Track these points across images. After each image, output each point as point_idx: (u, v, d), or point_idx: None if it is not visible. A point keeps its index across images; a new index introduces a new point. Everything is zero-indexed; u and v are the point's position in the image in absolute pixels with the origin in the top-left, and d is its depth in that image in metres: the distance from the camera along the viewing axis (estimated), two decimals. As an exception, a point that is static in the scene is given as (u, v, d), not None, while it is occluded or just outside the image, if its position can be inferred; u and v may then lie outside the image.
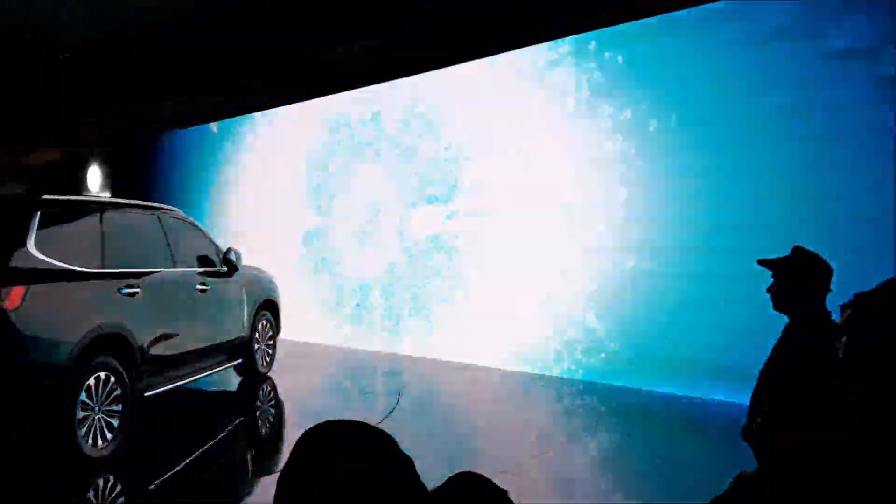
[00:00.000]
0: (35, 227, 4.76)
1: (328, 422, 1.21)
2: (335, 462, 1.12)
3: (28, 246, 4.66)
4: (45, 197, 5.10)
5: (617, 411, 6.67)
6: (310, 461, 1.14)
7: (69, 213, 5.33)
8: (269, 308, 8.09)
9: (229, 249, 7.25)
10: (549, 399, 7.34)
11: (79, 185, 15.76)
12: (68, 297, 4.89)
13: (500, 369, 8.16)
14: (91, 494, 4.68)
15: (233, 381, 7.79)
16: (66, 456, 4.74)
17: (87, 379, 4.85)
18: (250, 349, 7.57)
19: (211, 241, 7.24)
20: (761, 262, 2.90)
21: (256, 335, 7.73)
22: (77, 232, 5.29)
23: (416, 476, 1.19)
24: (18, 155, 16.41)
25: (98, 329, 5.00)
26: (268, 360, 8.01)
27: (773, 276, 2.85)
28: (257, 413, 7.09)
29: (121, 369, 5.17)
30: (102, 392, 4.99)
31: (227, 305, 7.10)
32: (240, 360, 7.39)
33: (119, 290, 5.34)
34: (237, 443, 5.99)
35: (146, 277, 5.78)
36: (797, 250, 2.83)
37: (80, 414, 4.78)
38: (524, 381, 7.84)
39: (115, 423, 5.09)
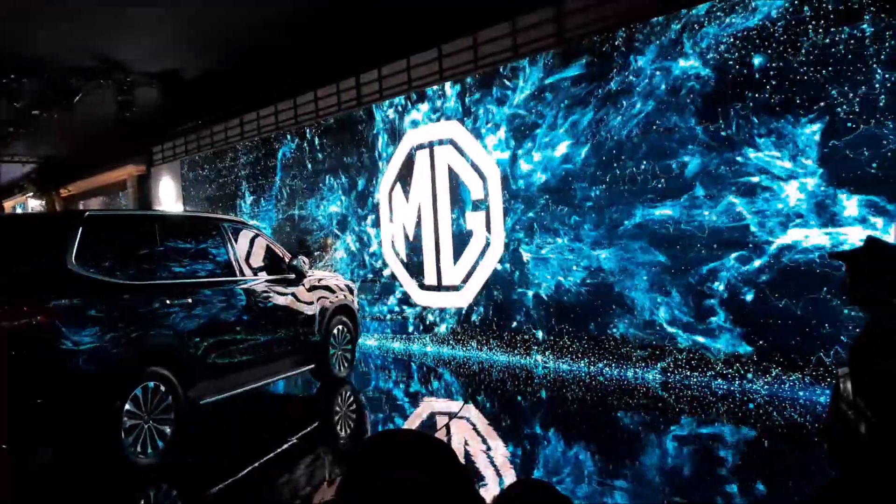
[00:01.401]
0: (76, 243, 4.94)
1: (387, 432, 1.25)
2: (392, 474, 1.13)
3: (68, 261, 4.86)
4: (88, 213, 5.32)
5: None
6: (368, 472, 1.15)
7: (116, 228, 5.55)
8: (345, 313, 8.12)
9: (295, 257, 7.33)
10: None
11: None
12: (109, 309, 5.05)
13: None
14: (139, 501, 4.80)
15: (309, 386, 7.87)
16: (113, 464, 4.89)
17: (134, 389, 4.99)
18: (325, 354, 7.61)
19: (278, 249, 7.35)
20: (832, 255, 2.91)
21: (332, 340, 7.77)
22: (124, 246, 5.48)
23: (473, 487, 1.19)
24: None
25: (143, 340, 5.16)
26: (346, 364, 8.03)
27: (846, 270, 2.55)
28: (326, 419, 7.05)
29: (172, 378, 5.29)
30: (152, 401, 5.12)
31: (294, 312, 7.16)
32: (312, 366, 7.44)
33: (169, 301, 5.48)
34: (299, 449, 5.92)
35: (202, 287, 5.91)
36: (870, 240, 2.55)
37: (128, 423, 4.93)
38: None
39: (167, 430, 5.21)
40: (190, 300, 5.67)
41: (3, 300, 4.47)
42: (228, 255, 6.44)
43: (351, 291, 8.46)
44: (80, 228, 5.04)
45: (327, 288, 7.87)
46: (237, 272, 6.47)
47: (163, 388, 5.23)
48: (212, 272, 6.25)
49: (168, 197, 16.18)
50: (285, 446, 5.74)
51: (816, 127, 6.01)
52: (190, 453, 5.51)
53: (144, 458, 5.02)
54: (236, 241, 6.66)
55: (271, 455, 5.51)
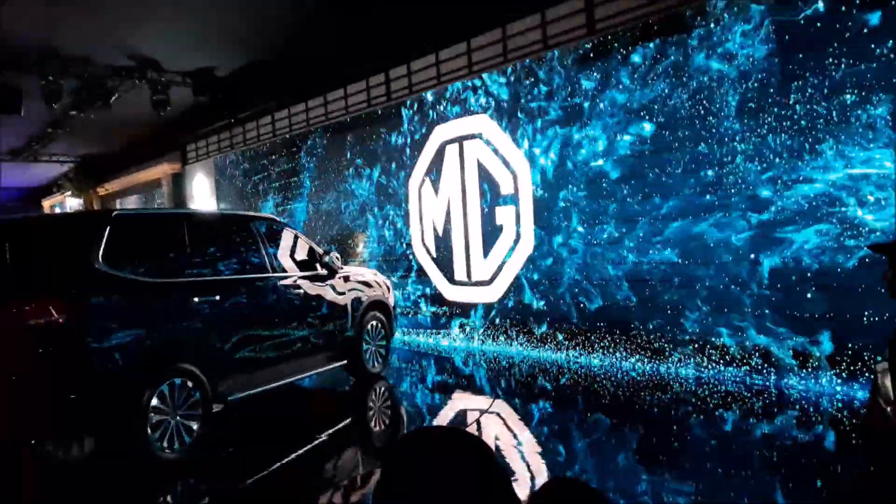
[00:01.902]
0: (104, 242, 4.99)
1: (422, 429, 1.27)
2: (429, 471, 1.12)
3: (95, 260, 4.90)
4: (116, 212, 5.35)
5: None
6: (404, 470, 1.14)
7: (144, 227, 5.59)
8: (379, 309, 8.09)
9: (327, 253, 7.33)
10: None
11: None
12: (134, 307, 5.09)
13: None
14: (165, 496, 4.83)
15: (342, 382, 7.86)
16: (139, 459, 4.92)
17: (160, 385, 5.03)
18: (358, 350, 7.59)
19: (310, 245, 7.35)
20: (874, 247, 2.77)
21: (366, 336, 7.75)
22: (152, 244, 5.52)
23: (510, 484, 1.18)
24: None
25: (169, 337, 5.19)
26: (380, 360, 8.00)
27: (889, 263, 2.54)
28: (358, 415, 7.03)
29: (199, 375, 5.31)
30: (179, 397, 5.14)
31: (325, 308, 7.15)
32: (345, 362, 7.42)
33: (197, 298, 5.50)
34: (329, 445, 5.88)
35: (230, 284, 5.93)
36: None
37: (154, 418, 4.97)
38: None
39: (195, 426, 5.23)
40: (218, 297, 5.68)
41: (29, 298, 4.53)
42: (258, 252, 6.46)
43: (386, 287, 8.41)
44: (108, 228, 5.09)
45: (361, 283, 7.85)
46: (267, 269, 6.47)
47: (190, 384, 5.26)
48: (241, 269, 6.27)
49: (202, 194, 16.35)
50: (315, 443, 5.73)
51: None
52: (218, 449, 5.53)
53: (171, 453, 5.06)
54: (267, 238, 6.66)
55: (300, 451, 5.50)
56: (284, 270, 6.75)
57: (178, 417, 5.14)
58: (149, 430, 4.91)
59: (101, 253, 4.94)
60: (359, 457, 5.69)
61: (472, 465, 1.13)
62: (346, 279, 7.58)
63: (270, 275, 6.47)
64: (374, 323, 7.92)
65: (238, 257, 6.34)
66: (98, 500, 4.70)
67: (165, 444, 5.03)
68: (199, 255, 5.80)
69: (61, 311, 4.52)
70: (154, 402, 4.97)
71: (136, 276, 5.12)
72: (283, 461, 5.22)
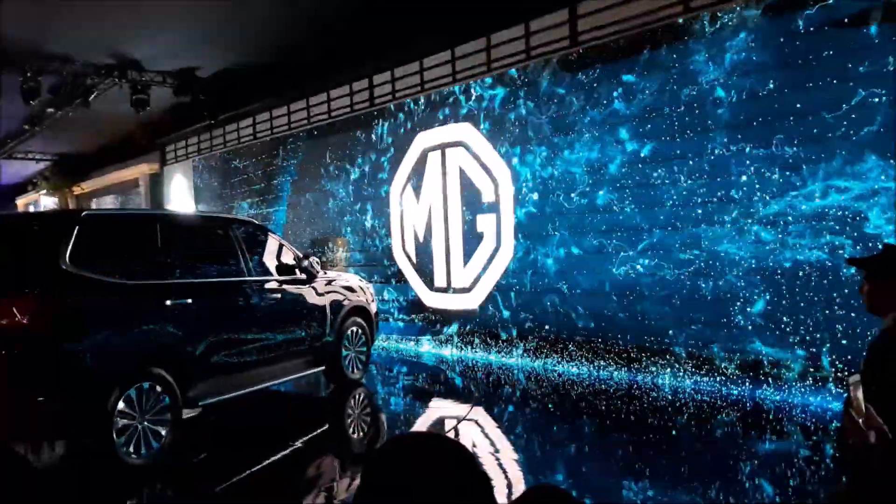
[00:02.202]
0: (71, 243, 4.87)
1: (403, 434, 1.22)
2: (409, 477, 1.10)
3: (62, 261, 4.78)
4: (85, 213, 5.24)
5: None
6: (384, 476, 1.13)
7: (115, 228, 5.48)
8: (360, 315, 7.98)
9: (306, 257, 7.23)
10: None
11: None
12: (101, 310, 4.98)
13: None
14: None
15: (320, 388, 7.77)
16: (105, 463, 4.81)
17: (126, 389, 4.91)
18: (337, 356, 7.49)
19: (289, 250, 7.25)
20: (850, 261, 2.86)
21: (346, 342, 7.66)
22: (124, 246, 5.41)
23: (491, 491, 1.16)
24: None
25: (136, 340, 5.10)
26: (360, 366, 7.89)
27: (864, 277, 2.63)
28: (335, 421, 6.87)
29: (169, 379, 5.20)
30: (147, 402, 5.03)
31: (303, 312, 7.05)
32: (323, 367, 7.33)
33: (166, 301, 5.39)
34: (301, 452, 5.69)
35: (204, 287, 5.83)
36: (889, 247, 2.68)
37: (120, 423, 4.85)
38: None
39: (163, 431, 5.12)
40: (190, 300, 5.56)
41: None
42: (235, 255, 6.35)
43: (369, 293, 8.31)
44: (77, 228, 4.97)
45: (342, 288, 7.74)
46: (244, 272, 6.37)
47: (158, 389, 5.14)
48: (217, 272, 6.18)
49: (180, 196, 16.18)
50: (289, 450, 5.60)
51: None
52: (188, 455, 5.41)
53: (137, 458, 4.93)
54: (245, 241, 6.55)
55: (273, 458, 5.37)
56: (262, 274, 6.65)
57: (145, 422, 5.01)
58: (114, 435, 4.78)
59: (68, 253, 4.82)
60: (335, 464, 5.60)
61: (452, 471, 1.12)
62: (326, 284, 7.47)
63: (246, 278, 6.36)
64: (354, 329, 7.81)
65: (213, 260, 6.24)
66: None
67: (132, 450, 4.90)
68: (173, 258, 5.66)
69: (23, 312, 4.42)
70: (120, 405, 4.84)
71: (104, 277, 5.00)
72: (254, 468, 5.08)
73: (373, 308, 8.31)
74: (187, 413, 5.45)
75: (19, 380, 4.48)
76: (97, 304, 4.94)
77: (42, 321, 4.52)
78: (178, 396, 5.26)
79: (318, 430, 6.30)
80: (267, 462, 5.25)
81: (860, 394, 2.40)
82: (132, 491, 4.86)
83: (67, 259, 4.80)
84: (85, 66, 11.73)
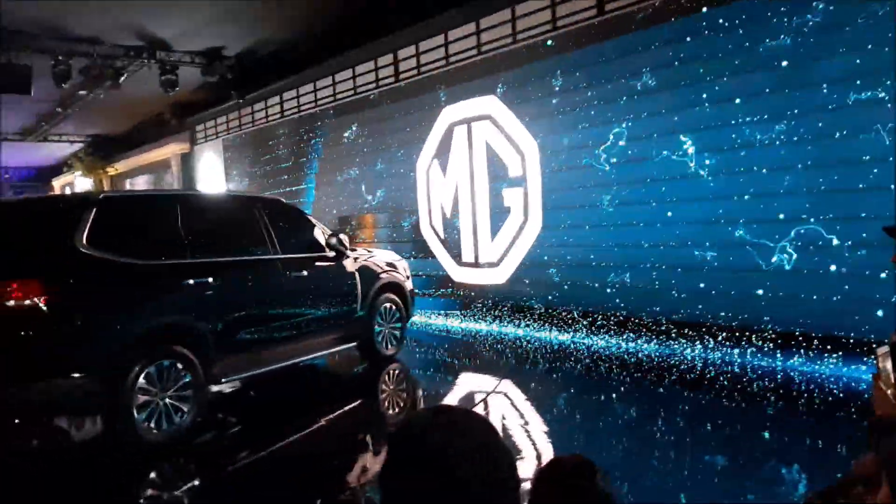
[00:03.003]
0: (88, 224, 4.90)
1: (427, 408, 1.23)
2: (433, 451, 1.11)
3: (78, 242, 4.81)
4: (103, 194, 5.27)
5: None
6: (409, 450, 1.14)
7: (134, 209, 5.51)
8: (394, 291, 7.90)
9: (335, 234, 7.19)
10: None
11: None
12: (119, 289, 5.00)
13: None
14: (147, 477, 4.76)
15: (353, 364, 7.75)
16: (125, 440, 4.85)
17: (147, 367, 4.93)
18: (370, 332, 7.46)
19: (318, 227, 7.20)
20: (887, 229, 2.80)
21: (379, 318, 7.63)
22: (141, 226, 5.42)
23: (514, 464, 1.18)
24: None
25: (156, 319, 5.12)
26: (394, 342, 7.81)
27: None
28: (367, 397, 6.80)
29: (191, 357, 5.22)
30: (167, 379, 5.06)
31: (330, 289, 6.99)
32: (354, 344, 7.32)
33: (186, 281, 5.41)
34: (329, 429, 5.62)
35: (225, 266, 5.83)
36: None
37: (140, 399, 4.88)
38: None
39: (185, 408, 5.15)
40: (210, 279, 5.56)
41: (8, 279, 4.47)
42: (259, 234, 6.31)
43: (402, 269, 8.21)
44: (95, 209, 4.99)
45: (374, 264, 7.66)
46: (268, 250, 6.34)
47: (179, 366, 5.15)
48: (240, 251, 6.16)
49: (211, 174, 16.29)
50: (316, 426, 5.60)
51: None
52: (211, 430, 5.43)
53: (158, 434, 4.96)
54: (270, 219, 6.48)
55: (300, 434, 5.38)
56: (288, 252, 6.59)
57: (167, 399, 5.03)
58: (135, 412, 4.82)
59: (85, 235, 4.85)
60: (364, 439, 5.55)
61: (476, 445, 1.12)
62: (356, 260, 7.39)
63: (270, 256, 6.34)
64: (387, 305, 7.73)
65: (237, 239, 6.21)
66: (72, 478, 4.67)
67: (152, 426, 4.94)
68: (193, 237, 5.64)
69: (41, 292, 4.45)
70: (141, 382, 4.87)
71: (123, 258, 5.02)
72: (279, 444, 5.11)
73: (408, 285, 8.19)
74: (216, 389, 5.48)
75: (40, 357, 4.52)
76: (113, 284, 4.96)
77: (59, 300, 4.55)
78: (199, 373, 5.27)
79: (346, 407, 6.25)
80: (293, 437, 5.26)
81: (889, 364, 2.29)
82: (147, 464, 4.88)
83: (84, 240, 4.83)
84: (114, 48, 11.83)
